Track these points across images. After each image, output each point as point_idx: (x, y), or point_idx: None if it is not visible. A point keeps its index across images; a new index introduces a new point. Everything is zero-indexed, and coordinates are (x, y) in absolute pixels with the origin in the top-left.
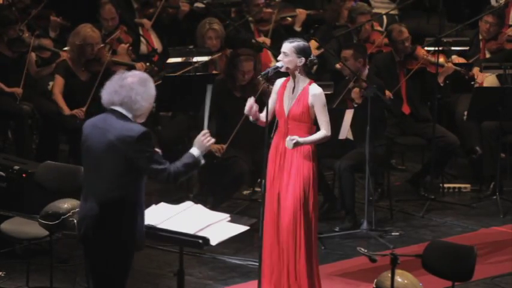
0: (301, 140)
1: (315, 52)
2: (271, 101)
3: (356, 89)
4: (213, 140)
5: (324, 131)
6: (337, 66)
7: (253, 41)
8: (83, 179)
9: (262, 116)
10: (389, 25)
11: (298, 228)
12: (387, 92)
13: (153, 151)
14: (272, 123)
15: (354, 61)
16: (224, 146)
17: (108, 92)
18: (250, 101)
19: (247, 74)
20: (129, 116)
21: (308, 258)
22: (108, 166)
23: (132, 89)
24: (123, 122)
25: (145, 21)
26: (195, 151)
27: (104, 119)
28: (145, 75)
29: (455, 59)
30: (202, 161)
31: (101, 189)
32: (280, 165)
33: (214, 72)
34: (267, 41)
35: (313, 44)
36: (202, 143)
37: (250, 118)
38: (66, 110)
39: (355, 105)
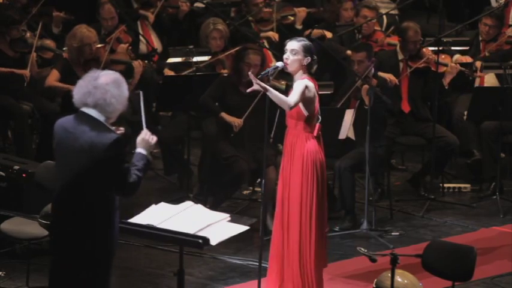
0: (268, 87)
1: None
2: None
3: (366, 86)
4: (155, 137)
5: (288, 98)
6: (348, 52)
7: (260, 34)
8: (57, 182)
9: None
10: (390, 25)
11: (302, 227)
12: (391, 77)
13: (123, 159)
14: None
15: (367, 61)
16: (241, 121)
17: (81, 92)
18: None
19: (253, 68)
20: (101, 118)
21: (302, 259)
22: (80, 172)
23: (107, 91)
24: (94, 127)
25: (149, 14)
26: (142, 150)
27: (75, 122)
28: (118, 76)
29: (459, 58)
30: (150, 159)
31: (74, 194)
32: (288, 167)
33: (222, 71)
34: (275, 35)
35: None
36: (147, 141)
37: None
38: (69, 87)
39: (366, 107)
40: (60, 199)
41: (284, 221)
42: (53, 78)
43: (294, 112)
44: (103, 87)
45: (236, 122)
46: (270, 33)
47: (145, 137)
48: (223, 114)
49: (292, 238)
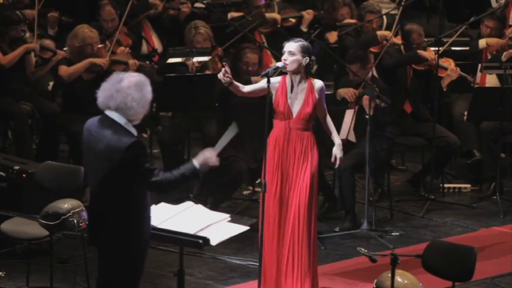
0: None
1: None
2: (259, 84)
3: (366, 96)
4: (217, 164)
5: (333, 126)
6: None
7: (266, 15)
8: (89, 182)
9: (239, 84)
10: (390, 25)
11: (305, 227)
12: (432, 55)
13: (144, 160)
14: (272, 124)
15: (364, 70)
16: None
17: (104, 95)
18: (225, 68)
19: (251, 66)
20: (122, 121)
21: (310, 258)
22: (103, 173)
23: (128, 94)
24: (114, 131)
25: (157, 1)
26: (196, 164)
27: (98, 125)
28: (142, 79)
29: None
30: (200, 173)
31: (101, 195)
32: (289, 165)
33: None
34: (277, 17)
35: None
36: (207, 159)
37: (223, 80)
38: (90, 62)
39: (367, 116)
40: (92, 198)
41: (289, 218)
42: (64, 68)
43: (311, 113)
44: (124, 91)
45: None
46: (273, 15)
47: (208, 156)
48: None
49: (303, 233)
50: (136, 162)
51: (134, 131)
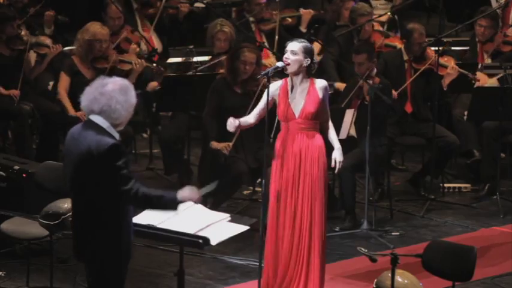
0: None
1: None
2: (262, 103)
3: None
4: (198, 201)
5: (333, 130)
6: (337, 85)
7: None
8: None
9: (243, 120)
10: (389, 25)
11: (317, 228)
12: (393, 92)
13: (121, 166)
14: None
15: (369, 62)
16: (230, 144)
17: (88, 99)
18: (234, 122)
19: (248, 66)
20: (105, 125)
21: (322, 258)
22: (83, 178)
23: (112, 97)
24: (95, 134)
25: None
26: (179, 196)
27: (81, 129)
28: (126, 83)
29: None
30: (177, 210)
31: (80, 200)
32: (295, 166)
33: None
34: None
35: (316, 46)
36: (190, 196)
37: (233, 130)
38: (71, 111)
39: (366, 103)
40: (73, 204)
41: (297, 219)
42: (63, 86)
43: (315, 112)
44: (108, 94)
45: (223, 147)
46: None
47: (194, 196)
48: (213, 143)
49: (317, 236)
50: (113, 166)
51: (117, 136)
